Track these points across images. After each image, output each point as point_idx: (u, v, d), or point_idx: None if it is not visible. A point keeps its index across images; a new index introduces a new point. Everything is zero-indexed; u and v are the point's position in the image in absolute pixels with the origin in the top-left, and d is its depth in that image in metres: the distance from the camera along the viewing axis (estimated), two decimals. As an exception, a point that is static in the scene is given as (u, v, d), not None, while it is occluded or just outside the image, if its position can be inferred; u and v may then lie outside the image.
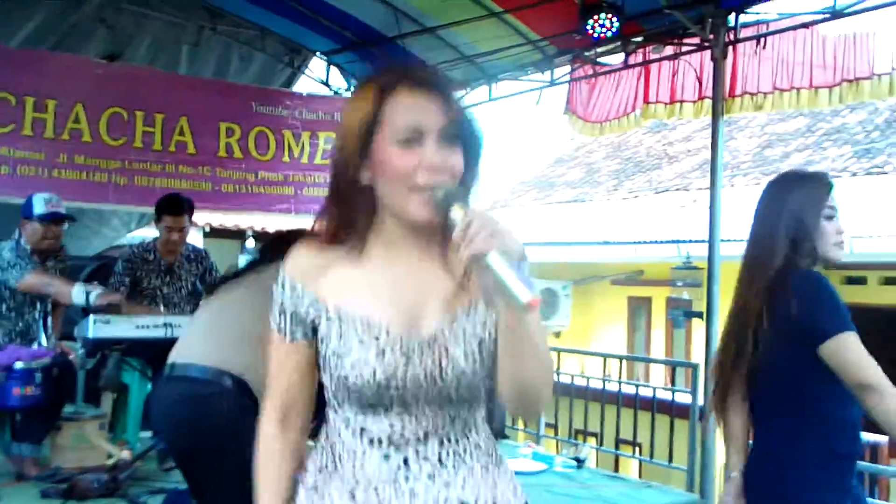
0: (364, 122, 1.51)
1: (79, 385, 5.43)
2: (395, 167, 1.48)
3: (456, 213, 1.43)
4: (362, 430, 1.55)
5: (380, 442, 1.53)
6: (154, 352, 4.43)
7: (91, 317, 4.68)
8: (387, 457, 1.53)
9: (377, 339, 1.51)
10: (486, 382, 1.56)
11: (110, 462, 4.68)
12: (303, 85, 7.79)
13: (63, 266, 5.09)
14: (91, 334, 4.56)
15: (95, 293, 4.60)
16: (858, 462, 2.70)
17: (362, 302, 1.53)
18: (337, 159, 1.56)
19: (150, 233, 7.31)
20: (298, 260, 1.59)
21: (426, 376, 1.51)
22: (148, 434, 5.21)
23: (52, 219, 4.87)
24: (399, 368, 1.50)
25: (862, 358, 2.40)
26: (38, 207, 4.84)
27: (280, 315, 1.60)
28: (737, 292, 2.67)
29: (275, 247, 3.63)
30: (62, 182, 6.36)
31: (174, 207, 5.26)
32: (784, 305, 2.48)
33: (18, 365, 4.56)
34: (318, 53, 7.45)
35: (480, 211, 1.42)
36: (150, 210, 6.23)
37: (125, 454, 4.69)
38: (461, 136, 1.53)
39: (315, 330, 1.57)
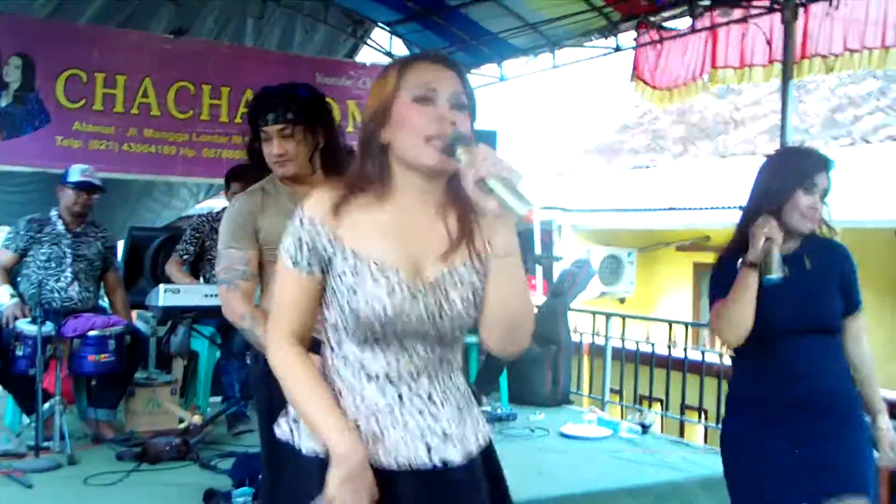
0: (389, 90, 1.76)
1: (150, 352, 5.57)
2: (412, 121, 1.72)
3: (461, 152, 1.67)
4: (361, 365, 1.74)
5: (377, 377, 1.73)
6: (223, 320, 4.53)
7: (161, 286, 4.80)
8: (384, 391, 1.74)
9: (388, 278, 1.71)
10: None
11: (182, 426, 4.82)
12: (365, 55, 7.82)
13: (105, 236, 5.21)
14: (161, 303, 4.69)
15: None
16: None
17: (375, 245, 1.73)
18: (366, 124, 1.79)
19: (218, 203, 7.44)
20: (320, 201, 1.76)
21: (428, 315, 1.72)
22: (217, 399, 5.34)
23: (84, 187, 5.03)
24: (406, 305, 1.70)
25: None
26: (73, 176, 5.03)
27: (297, 248, 1.74)
28: None
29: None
30: (132, 155, 6.55)
31: (244, 177, 5.35)
32: None
33: (93, 333, 4.71)
34: (380, 24, 7.44)
35: (487, 147, 1.66)
36: (218, 181, 6.38)
37: (196, 419, 4.81)
38: (469, 106, 1.78)
39: (328, 265, 1.74)
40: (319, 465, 1.70)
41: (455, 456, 1.75)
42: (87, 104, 6.36)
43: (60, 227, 5.03)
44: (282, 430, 1.82)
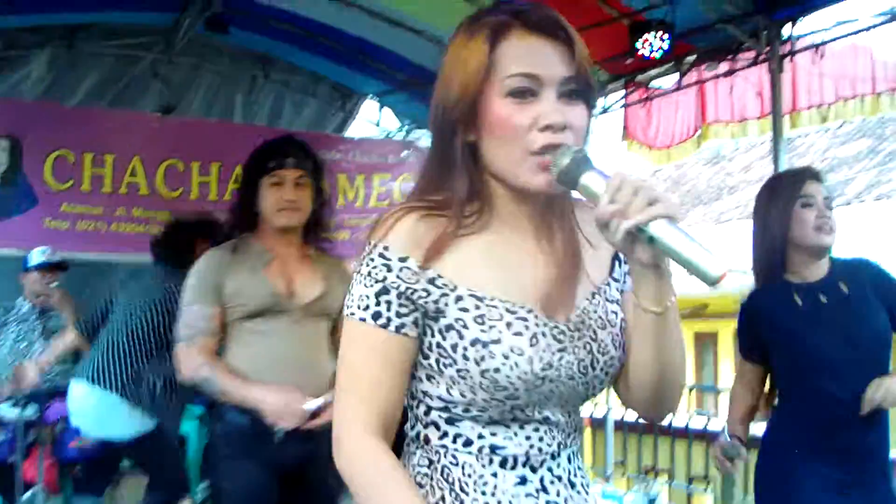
0: (474, 73, 1.26)
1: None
2: (507, 125, 1.25)
3: (592, 179, 1.17)
4: (493, 448, 1.28)
5: (514, 462, 1.29)
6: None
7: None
8: (524, 480, 1.29)
9: (526, 323, 1.25)
10: None
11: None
12: (355, 127, 7.81)
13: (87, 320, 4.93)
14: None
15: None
16: None
17: (493, 280, 1.27)
18: (438, 116, 1.31)
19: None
20: (405, 229, 1.27)
21: (579, 365, 1.28)
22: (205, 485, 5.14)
23: (46, 267, 5.09)
24: (555, 356, 1.26)
25: None
26: (36, 258, 5.12)
27: (380, 297, 1.26)
28: None
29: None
30: (121, 235, 6.46)
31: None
32: None
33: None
34: (370, 95, 7.45)
35: (626, 173, 1.16)
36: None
37: None
38: (583, 90, 1.28)
39: (430, 318, 1.27)
40: None
41: None
42: (75, 185, 6.30)
43: (26, 307, 5.05)
44: None
